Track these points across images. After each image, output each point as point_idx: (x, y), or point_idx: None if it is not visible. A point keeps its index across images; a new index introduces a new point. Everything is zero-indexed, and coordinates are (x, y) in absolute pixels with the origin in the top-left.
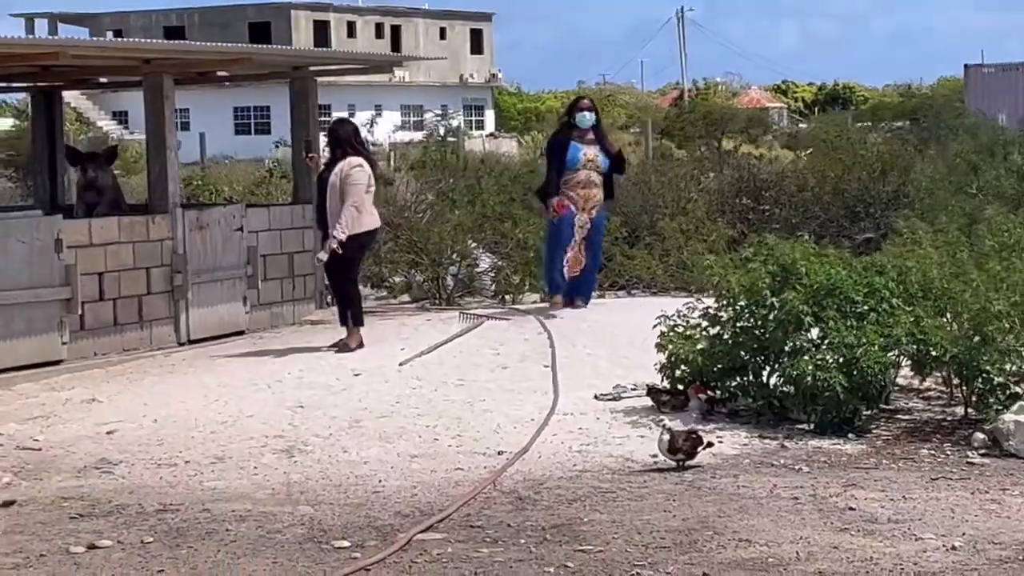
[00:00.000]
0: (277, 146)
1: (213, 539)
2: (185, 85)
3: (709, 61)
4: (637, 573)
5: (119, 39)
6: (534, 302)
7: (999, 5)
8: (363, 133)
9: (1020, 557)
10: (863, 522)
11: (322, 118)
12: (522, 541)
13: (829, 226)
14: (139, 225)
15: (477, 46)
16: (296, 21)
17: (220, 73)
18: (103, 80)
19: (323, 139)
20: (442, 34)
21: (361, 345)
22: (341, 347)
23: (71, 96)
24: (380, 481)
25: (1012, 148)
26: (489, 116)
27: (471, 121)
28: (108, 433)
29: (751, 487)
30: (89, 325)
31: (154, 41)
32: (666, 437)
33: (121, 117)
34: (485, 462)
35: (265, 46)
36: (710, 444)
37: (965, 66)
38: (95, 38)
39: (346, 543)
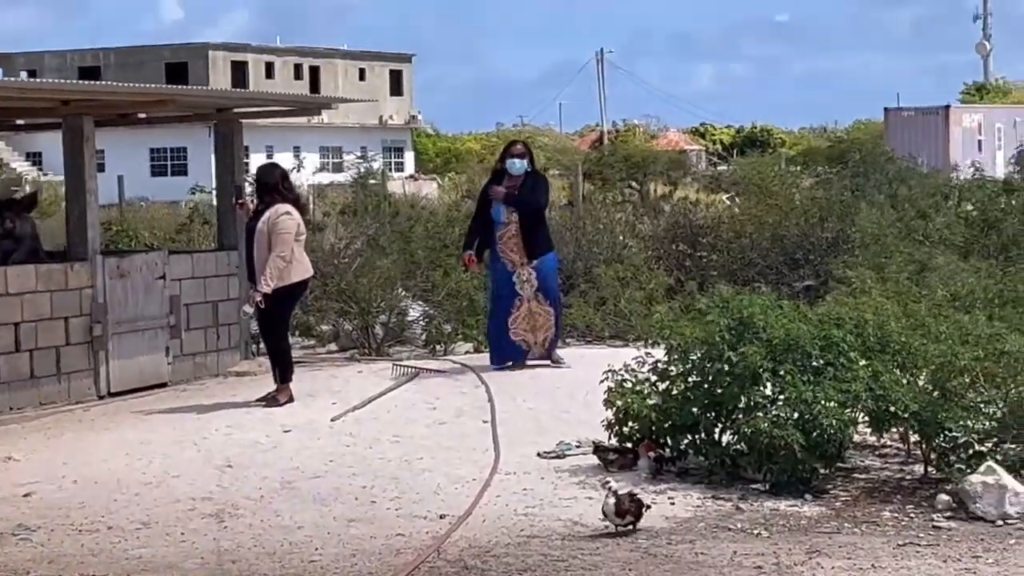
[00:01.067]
0: (194, 192)
1: None
2: (105, 127)
3: (627, 103)
4: None
5: (36, 79)
6: (467, 352)
7: (910, 48)
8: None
9: None
10: None
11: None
12: None
13: (768, 273)
14: (57, 273)
15: (397, 87)
16: (213, 62)
17: (141, 115)
18: (20, 122)
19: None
20: (361, 75)
21: (291, 400)
22: (269, 401)
23: None
24: (316, 549)
25: (966, 195)
26: (408, 158)
27: (390, 163)
28: (25, 496)
29: (709, 554)
30: (4, 378)
31: (75, 82)
32: (612, 500)
33: (35, 158)
34: (427, 527)
35: (190, 87)
36: (649, 506)
37: (885, 109)
38: (10, 78)
39: None
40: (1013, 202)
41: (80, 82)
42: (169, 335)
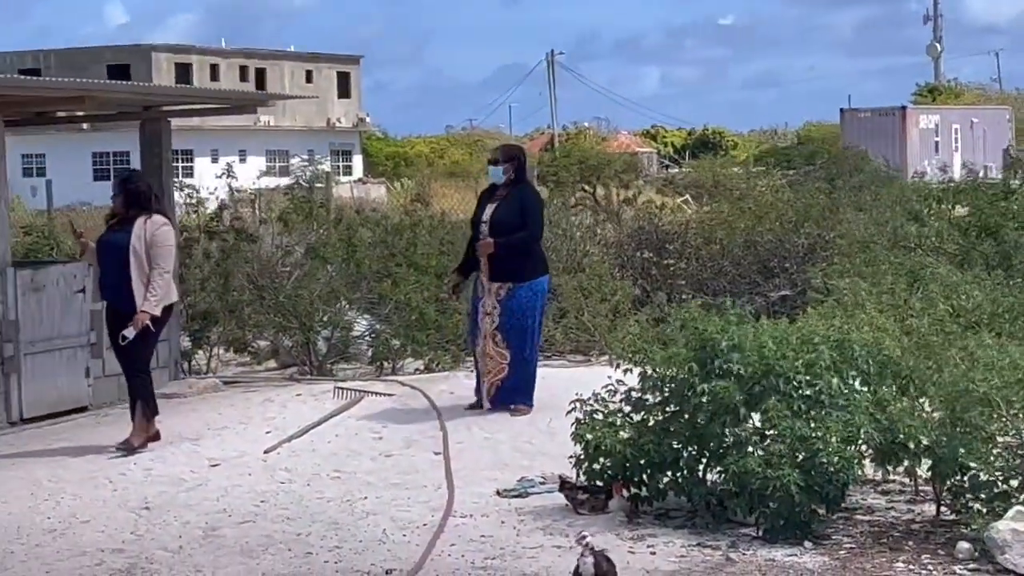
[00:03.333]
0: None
1: None
2: (23, 127)
3: (576, 106)
4: None
5: None
6: (417, 370)
7: (857, 51)
8: (223, 181)
9: None
10: None
11: (185, 163)
12: None
13: (740, 282)
14: None
15: (344, 90)
16: (157, 63)
17: (60, 114)
18: None
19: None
20: (308, 77)
21: (155, 438)
22: (128, 445)
23: None
24: None
25: (960, 198)
26: (357, 161)
27: (339, 166)
28: None
29: None
30: None
31: None
32: (589, 559)
33: None
34: None
35: (110, 82)
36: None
37: (841, 110)
38: None
39: None
40: (1014, 206)
41: None
42: (90, 354)
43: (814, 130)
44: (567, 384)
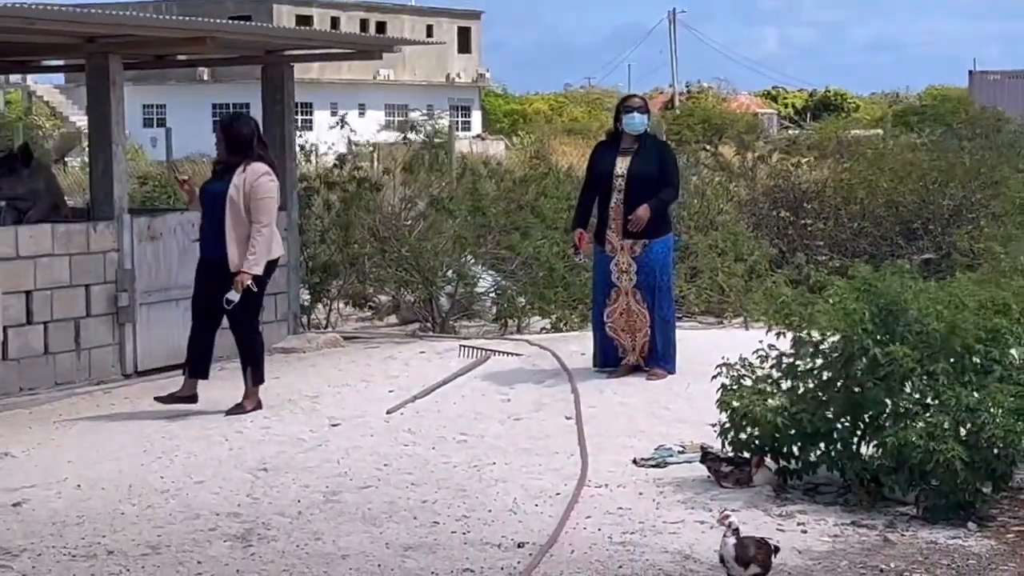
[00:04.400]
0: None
1: None
2: (144, 72)
3: (694, 65)
4: None
5: (51, 6)
6: (543, 329)
7: (974, 15)
8: (338, 133)
9: None
10: None
11: (304, 116)
12: None
13: (881, 244)
14: (77, 234)
15: (465, 45)
16: (278, 15)
17: (181, 57)
18: (48, 63)
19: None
20: (429, 31)
21: (259, 407)
22: (237, 410)
23: (44, 91)
24: None
25: None
26: (476, 117)
27: (457, 122)
28: (15, 505)
29: None
30: (13, 354)
31: (98, 12)
32: (732, 541)
33: None
34: (501, 559)
35: (232, 22)
36: (777, 549)
37: (969, 72)
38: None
39: None
40: None
41: (104, 12)
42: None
43: (938, 93)
44: (703, 347)
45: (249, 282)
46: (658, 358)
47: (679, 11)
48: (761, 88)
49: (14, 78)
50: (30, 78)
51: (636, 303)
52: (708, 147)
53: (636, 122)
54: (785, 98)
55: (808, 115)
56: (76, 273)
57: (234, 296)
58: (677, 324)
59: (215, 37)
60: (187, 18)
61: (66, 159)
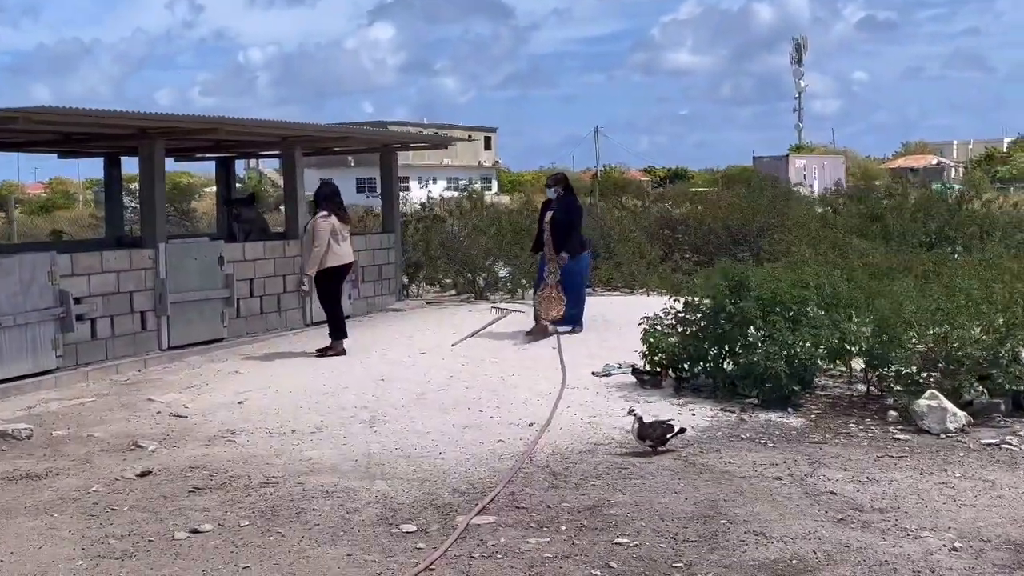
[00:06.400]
0: (371, 197)
1: (299, 521)
2: (313, 156)
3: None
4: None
5: (261, 120)
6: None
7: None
8: (422, 192)
9: (1018, 560)
10: (851, 510)
11: (404, 184)
12: (563, 528)
13: (720, 248)
14: (278, 247)
15: (488, 144)
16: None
17: (336, 148)
18: (261, 153)
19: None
20: (469, 138)
21: (340, 353)
22: (323, 352)
23: (269, 171)
24: (440, 453)
25: (860, 199)
26: (495, 184)
27: (484, 186)
28: (239, 403)
29: (735, 464)
30: (243, 314)
31: (288, 121)
32: (636, 426)
33: None
34: (519, 433)
35: (363, 127)
36: (682, 431)
37: (754, 157)
38: (245, 118)
39: (412, 527)
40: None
41: (294, 123)
42: (351, 285)
43: (739, 169)
44: (625, 306)
45: (303, 278)
46: (571, 321)
47: (600, 127)
48: (641, 166)
49: (251, 162)
50: (261, 162)
51: (557, 291)
52: (620, 201)
53: (551, 191)
54: (655, 172)
55: (667, 181)
56: (278, 268)
57: (303, 287)
58: (608, 293)
59: (354, 137)
60: (333, 124)
61: (280, 207)
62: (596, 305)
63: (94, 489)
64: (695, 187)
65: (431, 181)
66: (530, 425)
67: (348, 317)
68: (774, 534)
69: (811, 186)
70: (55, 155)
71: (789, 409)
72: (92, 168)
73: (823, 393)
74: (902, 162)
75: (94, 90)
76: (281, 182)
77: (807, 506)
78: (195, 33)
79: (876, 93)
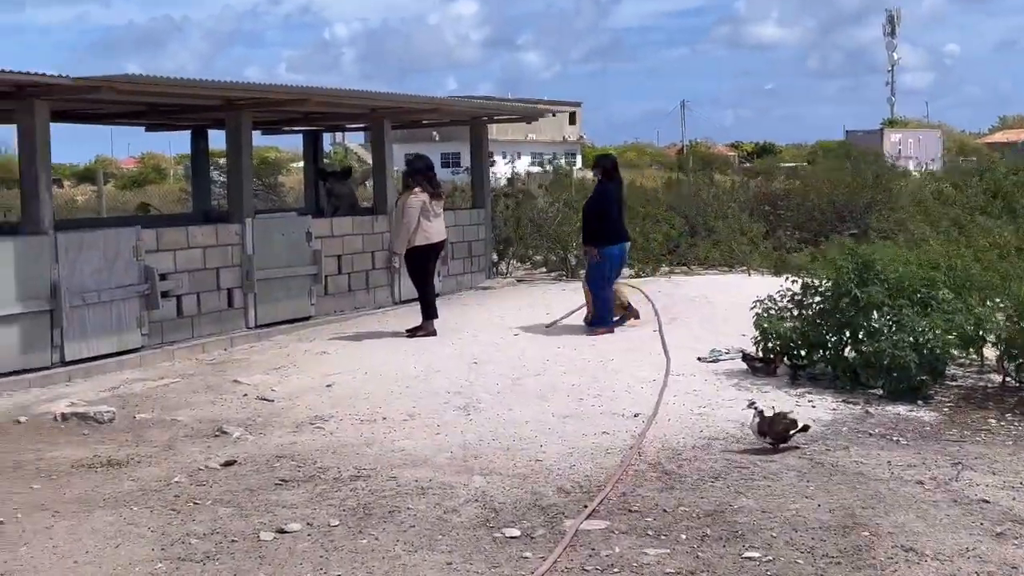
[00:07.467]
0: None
1: (393, 522)
2: (401, 129)
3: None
4: None
5: (350, 90)
6: (630, 275)
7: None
8: (507, 168)
9: None
10: (1010, 523)
11: (491, 159)
12: (683, 537)
13: (824, 225)
14: (366, 223)
15: (573, 119)
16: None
17: (425, 121)
18: (349, 126)
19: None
20: (553, 114)
21: (430, 334)
22: (413, 332)
23: (354, 145)
24: (540, 446)
25: (986, 175)
26: (578, 159)
27: (569, 162)
28: (328, 386)
29: (868, 464)
30: (330, 292)
31: (379, 91)
32: (756, 420)
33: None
34: (624, 425)
35: (448, 97)
36: (806, 428)
37: (846, 131)
38: (334, 87)
39: (516, 531)
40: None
41: (382, 93)
42: (441, 263)
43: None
44: (727, 286)
45: (393, 255)
46: (596, 320)
47: (687, 101)
48: (727, 141)
49: (337, 137)
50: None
51: (584, 285)
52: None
53: (591, 175)
54: (742, 146)
55: (755, 156)
56: (366, 244)
57: (394, 262)
58: (706, 272)
59: (442, 107)
60: (421, 95)
61: (366, 183)
62: (697, 285)
63: (176, 480)
64: (783, 162)
65: (516, 156)
66: (635, 416)
67: (438, 296)
68: (926, 551)
69: (909, 160)
70: (143, 128)
71: (919, 402)
72: (182, 142)
73: (953, 384)
74: (1000, 136)
75: (183, 67)
76: (367, 157)
77: (958, 516)
78: (281, 9)
79: (969, 66)
